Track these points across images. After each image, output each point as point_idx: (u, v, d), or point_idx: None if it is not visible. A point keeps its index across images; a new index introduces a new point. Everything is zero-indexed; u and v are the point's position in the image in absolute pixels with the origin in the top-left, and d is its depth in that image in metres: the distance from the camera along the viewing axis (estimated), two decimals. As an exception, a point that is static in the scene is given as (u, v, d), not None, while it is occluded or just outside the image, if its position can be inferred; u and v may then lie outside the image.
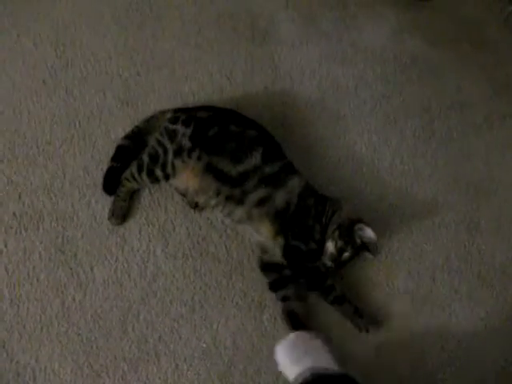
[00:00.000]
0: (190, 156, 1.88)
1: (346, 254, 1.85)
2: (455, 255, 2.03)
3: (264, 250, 1.92)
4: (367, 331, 1.85)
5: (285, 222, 1.86)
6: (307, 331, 1.76)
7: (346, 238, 1.83)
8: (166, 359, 1.82)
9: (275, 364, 1.79)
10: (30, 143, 2.06)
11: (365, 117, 2.24)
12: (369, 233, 1.82)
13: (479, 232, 2.08)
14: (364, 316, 1.86)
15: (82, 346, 1.82)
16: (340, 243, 1.83)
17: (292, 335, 1.71)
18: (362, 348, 1.88)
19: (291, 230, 1.86)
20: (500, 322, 1.95)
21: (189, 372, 1.81)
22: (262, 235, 1.90)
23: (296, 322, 1.83)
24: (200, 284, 1.91)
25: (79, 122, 2.10)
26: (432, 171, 2.17)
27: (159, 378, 1.80)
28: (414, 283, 1.97)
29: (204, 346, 1.83)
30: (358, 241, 1.85)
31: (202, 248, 1.95)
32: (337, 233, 1.84)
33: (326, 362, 1.64)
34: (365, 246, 1.87)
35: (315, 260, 1.87)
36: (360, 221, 1.85)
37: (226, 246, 1.96)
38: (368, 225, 1.83)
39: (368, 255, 1.89)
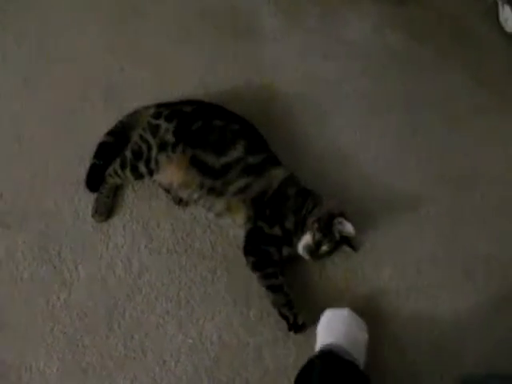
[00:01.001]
0: (174, 151, 1.88)
1: (324, 248, 1.84)
2: (440, 247, 2.03)
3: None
4: (290, 330, 1.83)
5: (259, 208, 1.87)
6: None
7: (325, 231, 1.83)
8: (152, 355, 1.80)
9: (262, 358, 1.81)
10: (11, 140, 2.05)
11: (348, 111, 2.24)
12: (348, 227, 1.82)
13: (463, 224, 2.08)
14: (295, 313, 1.82)
15: (67, 344, 1.80)
16: (318, 236, 1.82)
17: (343, 309, 1.79)
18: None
19: (262, 212, 1.86)
20: (483, 314, 1.95)
21: (176, 368, 1.80)
22: (237, 225, 1.90)
23: None
24: (185, 280, 1.90)
25: (61, 119, 2.10)
26: (416, 165, 2.17)
27: (146, 374, 1.78)
28: (399, 276, 1.97)
29: (190, 341, 1.82)
30: (337, 235, 1.84)
31: (186, 244, 1.94)
32: (316, 225, 1.83)
33: (359, 353, 1.70)
34: (345, 240, 1.87)
35: (272, 245, 1.87)
36: (341, 215, 1.84)
37: (210, 242, 1.95)
38: (348, 219, 1.83)
39: (348, 250, 1.91)
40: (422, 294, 1.96)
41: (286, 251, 1.88)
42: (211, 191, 1.87)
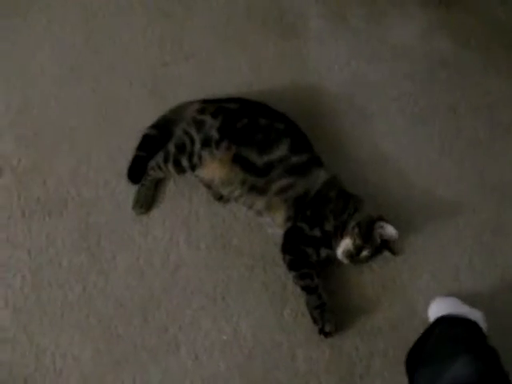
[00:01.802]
0: (217, 147, 1.88)
1: (365, 253, 1.83)
2: (478, 257, 2.01)
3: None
4: (320, 333, 1.82)
5: (300, 208, 1.86)
6: None
7: (366, 236, 1.81)
8: (185, 349, 1.82)
9: (294, 359, 1.81)
10: (56, 129, 2.08)
11: (392, 115, 2.23)
12: (390, 230, 1.80)
13: (504, 235, 2.05)
14: (324, 319, 1.82)
15: (102, 332, 1.82)
16: (358, 241, 1.81)
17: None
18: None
19: (303, 213, 1.86)
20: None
21: (208, 363, 1.81)
22: (276, 224, 1.89)
23: None
24: (222, 276, 1.91)
25: (106, 110, 2.12)
26: (458, 172, 2.15)
27: (178, 367, 1.80)
28: (436, 284, 1.95)
29: (224, 338, 1.83)
30: (378, 240, 1.83)
31: (225, 240, 1.95)
32: (356, 230, 1.82)
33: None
34: (385, 245, 1.85)
35: (310, 245, 1.86)
36: (381, 219, 1.83)
37: (248, 239, 1.96)
38: (389, 222, 1.81)
39: (388, 254, 1.88)
40: (459, 303, 1.93)
41: (324, 253, 1.88)
42: (253, 189, 1.86)
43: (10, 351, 1.79)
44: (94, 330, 1.82)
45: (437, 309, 1.82)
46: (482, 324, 1.70)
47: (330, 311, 1.83)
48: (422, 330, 1.73)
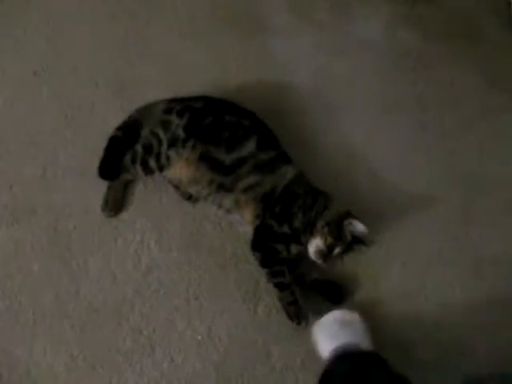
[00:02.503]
0: (184, 146, 1.87)
1: (337, 250, 1.82)
2: (449, 247, 2.04)
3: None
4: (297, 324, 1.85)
5: (268, 205, 1.86)
6: (343, 310, 1.83)
7: (336, 234, 1.80)
8: (161, 351, 1.81)
9: (270, 356, 1.82)
10: (21, 133, 2.05)
11: (359, 109, 2.24)
12: (359, 227, 1.79)
13: (473, 224, 2.08)
14: (301, 312, 1.85)
15: (76, 338, 1.81)
16: (330, 240, 1.80)
17: (328, 315, 1.79)
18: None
19: (271, 210, 1.86)
20: (491, 313, 1.95)
21: (184, 364, 1.81)
22: (245, 221, 1.90)
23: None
24: (194, 276, 1.90)
25: (71, 113, 2.09)
26: (426, 165, 2.17)
27: (154, 370, 1.79)
28: (407, 275, 1.98)
29: (199, 337, 1.83)
30: (349, 236, 1.82)
31: (196, 240, 1.95)
32: (326, 229, 1.81)
33: (360, 338, 1.72)
34: (357, 240, 1.84)
35: (280, 242, 1.86)
36: (349, 215, 1.82)
37: (220, 238, 1.96)
38: (357, 218, 1.80)
39: (362, 247, 1.86)
40: (430, 293, 1.97)
41: (294, 250, 1.88)
42: (220, 188, 1.86)
43: (-19, 361, 1.77)
44: (68, 335, 1.81)
45: (323, 338, 1.79)
46: (368, 337, 1.75)
47: (304, 306, 1.85)
48: (391, 318, 1.79)
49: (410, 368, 1.73)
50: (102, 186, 1.96)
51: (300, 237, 1.86)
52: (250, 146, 1.88)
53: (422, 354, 1.88)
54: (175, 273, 1.90)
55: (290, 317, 1.84)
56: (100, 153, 1.97)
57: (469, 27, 2.51)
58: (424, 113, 2.27)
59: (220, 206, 1.91)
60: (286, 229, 1.86)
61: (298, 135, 2.14)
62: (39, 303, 1.83)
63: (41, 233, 1.91)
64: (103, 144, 1.98)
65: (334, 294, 1.91)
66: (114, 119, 2.02)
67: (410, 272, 1.99)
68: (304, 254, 1.88)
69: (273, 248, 1.86)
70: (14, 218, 1.92)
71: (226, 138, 1.89)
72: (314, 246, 1.82)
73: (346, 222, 1.81)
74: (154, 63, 2.21)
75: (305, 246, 1.86)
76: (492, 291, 2.00)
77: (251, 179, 1.87)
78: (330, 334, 1.76)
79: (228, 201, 1.88)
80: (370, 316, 1.84)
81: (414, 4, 2.49)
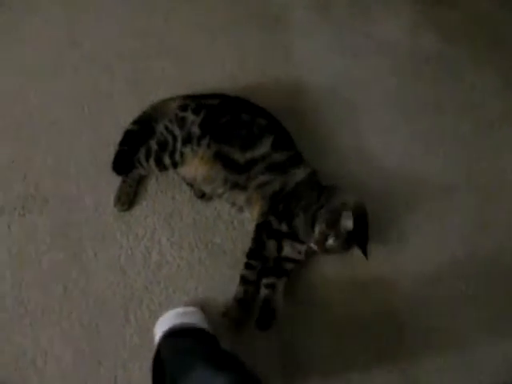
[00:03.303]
0: (199, 144, 1.87)
1: (330, 242, 1.78)
2: (463, 254, 2.02)
3: None
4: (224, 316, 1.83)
5: (274, 204, 1.86)
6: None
7: (330, 223, 1.77)
8: (167, 349, 1.81)
9: (272, 352, 1.82)
10: (36, 123, 2.04)
11: (376, 110, 2.21)
12: (345, 221, 1.74)
13: (488, 231, 2.06)
14: (237, 314, 1.83)
15: (83, 331, 1.81)
16: (323, 227, 1.78)
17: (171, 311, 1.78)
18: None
19: (275, 208, 1.86)
20: (502, 322, 1.95)
21: (190, 362, 1.81)
22: (253, 219, 1.90)
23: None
24: (204, 275, 1.90)
25: (87, 105, 2.08)
26: (442, 169, 2.14)
27: (160, 367, 1.80)
28: (420, 282, 1.96)
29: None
30: (343, 230, 1.76)
31: (207, 239, 1.94)
32: (324, 216, 1.80)
33: (196, 320, 1.72)
34: (358, 243, 1.79)
35: (273, 238, 1.86)
36: (348, 208, 1.77)
37: (231, 238, 1.95)
38: (352, 214, 1.74)
39: (360, 255, 1.81)
40: (441, 302, 1.96)
41: (288, 247, 1.88)
42: (235, 186, 1.86)
43: (-11, 351, 1.77)
44: (75, 329, 1.81)
45: (160, 327, 1.76)
46: (204, 323, 1.74)
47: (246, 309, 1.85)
48: (400, 324, 1.77)
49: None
50: (116, 180, 1.95)
51: (298, 235, 1.85)
52: (265, 146, 1.88)
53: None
54: (185, 270, 1.90)
55: (226, 312, 1.82)
56: (114, 146, 1.97)
57: (490, 31, 2.47)
58: (442, 116, 2.24)
59: (234, 204, 1.91)
60: (284, 227, 1.86)
61: (314, 134, 2.12)
62: (48, 295, 1.83)
63: (52, 224, 1.91)
64: (118, 137, 1.98)
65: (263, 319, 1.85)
66: (129, 113, 2.02)
67: (421, 278, 1.97)
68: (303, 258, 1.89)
69: (263, 243, 1.86)
70: (27, 208, 1.92)
71: (242, 136, 1.88)
72: (314, 233, 1.80)
73: (344, 213, 1.75)
74: (171, 58, 2.19)
75: (306, 239, 1.84)
76: (506, 298, 1.98)
77: (263, 178, 1.86)
78: (165, 322, 1.75)
79: (241, 198, 1.88)
80: (382, 323, 1.83)
81: (435, 6, 2.45)
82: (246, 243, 1.93)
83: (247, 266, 1.85)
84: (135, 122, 2.00)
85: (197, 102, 1.94)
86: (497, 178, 2.17)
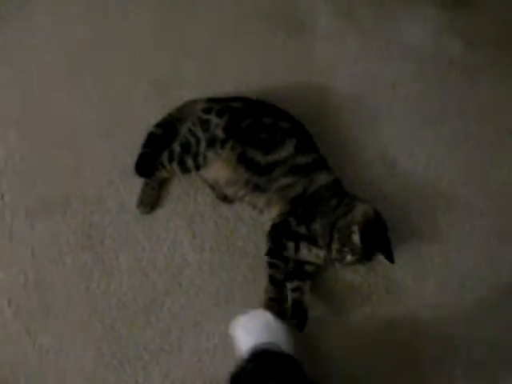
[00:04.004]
0: (223, 147, 1.87)
1: (349, 258, 1.75)
2: (484, 263, 2.00)
3: None
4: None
5: (294, 206, 1.86)
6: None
7: (343, 240, 1.75)
8: (188, 351, 1.82)
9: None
10: (59, 126, 2.05)
11: (400, 116, 2.20)
12: (354, 238, 1.73)
13: (510, 241, 2.04)
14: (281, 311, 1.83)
15: (105, 333, 1.82)
16: (337, 245, 1.76)
17: (251, 312, 1.75)
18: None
19: (295, 210, 1.85)
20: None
21: (210, 365, 1.81)
22: (271, 219, 1.90)
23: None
24: (226, 278, 1.90)
25: (111, 107, 2.09)
26: (465, 176, 2.12)
27: (181, 370, 1.80)
28: (441, 290, 1.95)
29: (227, 340, 1.80)
30: (358, 244, 1.73)
31: (229, 242, 1.94)
32: (337, 234, 1.78)
33: (278, 339, 1.67)
34: (381, 250, 1.76)
35: (292, 240, 1.85)
36: (358, 224, 1.74)
37: (253, 241, 1.95)
38: (363, 229, 1.72)
39: (385, 261, 1.78)
40: (463, 309, 1.94)
41: (305, 250, 1.86)
42: (256, 188, 1.86)
43: (12, 350, 1.79)
44: (97, 330, 1.82)
45: (242, 334, 1.72)
46: (291, 341, 1.69)
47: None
48: (423, 334, 1.73)
49: None
50: (138, 182, 1.96)
51: (317, 239, 1.84)
52: (288, 149, 1.87)
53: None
54: (207, 273, 1.90)
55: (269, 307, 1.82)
56: (137, 149, 1.97)
57: (515, 37, 2.45)
58: (465, 123, 2.22)
59: (254, 207, 1.91)
60: (302, 229, 1.85)
61: (337, 140, 2.11)
62: (70, 296, 1.85)
63: (75, 226, 1.92)
64: (141, 140, 1.98)
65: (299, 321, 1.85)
66: (152, 116, 2.02)
67: (443, 287, 1.95)
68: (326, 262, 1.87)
69: (283, 243, 1.86)
70: (50, 210, 1.93)
71: (265, 139, 1.88)
72: (331, 250, 1.79)
73: (353, 228, 1.74)
74: (194, 61, 2.19)
75: (325, 248, 1.82)
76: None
77: (286, 180, 1.86)
78: (250, 332, 1.71)
79: (261, 201, 1.88)
80: (395, 331, 1.81)
81: (459, 12, 2.42)
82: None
83: (271, 265, 1.85)
84: (158, 125, 2.01)
85: (221, 104, 1.94)
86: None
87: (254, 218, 1.97)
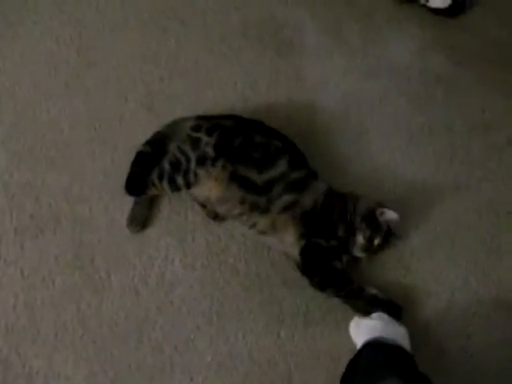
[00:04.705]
0: (213, 165, 1.87)
1: (376, 241, 1.85)
2: (474, 277, 2.01)
3: (290, 258, 1.92)
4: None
5: (310, 223, 1.86)
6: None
7: (373, 226, 1.84)
8: (180, 370, 1.80)
9: (291, 381, 1.80)
10: (49, 145, 2.05)
11: (388, 133, 2.22)
12: (390, 214, 1.85)
13: (499, 255, 2.05)
14: (387, 302, 1.85)
15: (96, 352, 1.80)
16: (368, 232, 1.84)
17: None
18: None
19: (315, 228, 1.86)
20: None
21: (204, 384, 1.80)
22: (285, 243, 1.88)
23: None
24: (218, 296, 1.89)
25: (100, 126, 2.09)
26: (453, 191, 2.14)
27: (173, 389, 1.79)
28: (432, 304, 1.95)
29: (220, 358, 1.81)
30: (384, 225, 1.86)
31: (220, 259, 1.93)
32: (363, 224, 1.84)
33: (399, 336, 1.72)
34: (389, 232, 1.88)
35: (334, 257, 1.86)
36: (380, 205, 1.87)
37: (245, 259, 1.94)
38: (386, 207, 1.86)
39: (395, 239, 1.91)
40: (454, 324, 1.94)
41: (345, 258, 1.89)
42: (254, 208, 1.84)
43: (1, 372, 1.76)
44: (88, 350, 1.80)
45: (359, 330, 1.80)
46: (406, 342, 1.73)
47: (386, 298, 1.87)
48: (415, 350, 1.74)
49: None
50: (128, 200, 1.96)
51: (347, 245, 1.87)
52: (281, 166, 1.88)
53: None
54: (198, 291, 1.89)
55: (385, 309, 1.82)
56: (127, 167, 1.97)
57: (500, 54, 2.47)
58: (453, 139, 2.24)
59: (253, 227, 1.88)
60: (334, 242, 1.87)
61: (326, 156, 2.12)
62: (61, 316, 1.83)
63: (65, 245, 1.91)
64: (131, 158, 1.98)
65: (392, 311, 1.85)
66: (142, 134, 2.02)
67: (434, 302, 1.96)
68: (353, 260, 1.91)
69: (329, 266, 1.85)
70: (40, 228, 1.92)
71: (257, 158, 1.88)
72: (357, 243, 1.85)
73: (377, 212, 1.85)
74: (183, 79, 2.21)
75: (350, 250, 1.88)
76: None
77: (287, 198, 1.86)
78: (370, 330, 1.75)
79: (263, 222, 1.86)
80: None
81: (446, 28, 2.46)
82: (259, 265, 1.94)
83: (339, 288, 1.85)
84: (148, 143, 2.00)
85: (210, 122, 1.95)
86: (506, 201, 2.16)
87: (246, 236, 1.96)
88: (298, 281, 1.90)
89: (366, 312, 1.82)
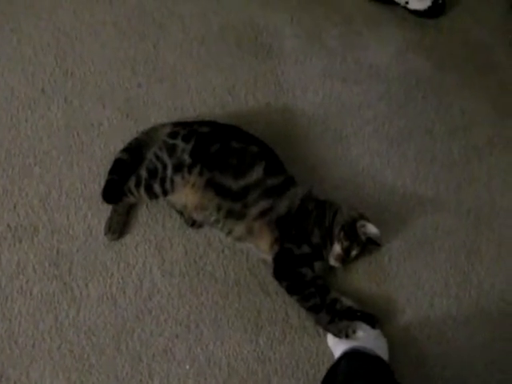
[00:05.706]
0: (190, 172, 1.86)
1: (354, 252, 1.85)
2: (454, 281, 2.00)
3: (268, 265, 1.90)
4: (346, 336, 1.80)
5: (284, 228, 1.85)
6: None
7: (352, 237, 1.83)
8: (159, 379, 1.79)
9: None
10: (26, 153, 2.04)
11: (367, 137, 2.21)
12: (371, 229, 1.84)
13: (479, 258, 2.05)
14: (345, 329, 1.79)
15: (74, 362, 1.78)
16: (346, 243, 1.83)
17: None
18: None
19: (288, 233, 1.85)
20: (497, 352, 1.92)
21: (182, 393, 1.79)
22: (262, 249, 1.87)
23: None
24: (196, 303, 1.88)
25: (77, 133, 2.08)
26: (433, 195, 2.14)
27: (152, 398, 1.78)
28: (411, 309, 1.94)
29: (198, 366, 1.80)
30: (363, 237, 1.85)
31: (198, 267, 1.92)
32: (342, 234, 1.83)
33: (376, 346, 1.74)
34: (370, 240, 1.88)
35: (303, 264, 1.84)
36: (361, 217, 1.87)
37: (223, 266, 1.93)
38: (368, 220, 1.85)
39: (374, 248, 1.94)
40: (434, 328, 1.93)
41: (317, 267, 1.87)
42: (230, 214, 1.84)
43: (-22, 383, 1.75)
44: (66, 360, 1.78)
45: (337, 339, 1.80)
46: (384, 352, 1.76)
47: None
48: (395, 354, 1.76)
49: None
50: (106, 208, 1.95)
51: (322, 252, 1.87)
52: (257, 172, 1.87)
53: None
54: (176, 299, 1.88)
55: (336, 334, 1.80)
56: (104, 175, 1.96)
57: (480, 56, 2.48)
58: (433, 142, 2.24)
59: (229, 233, 1.88)
60: (306, 249, 1.85)
61: (305, 161, 2.12)
62: (38, 326, 1.81)
63: (43, 254, 1.89)
64: (108, 166, 1.97)
65: (367, 320, 1.83)
66: (120, 141, 2.02)
67: (413, 307, 1.95)
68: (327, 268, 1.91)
69: (298, 273, 1.84)
70: (17, 238, 1.91)
71: (234, 164, 1.87)
72: (334, 252, 1.85)
73: (358, 224, 1.84)
74: (161, 85, 2.20)
75: (326, 257, 1.87)
76: (497, 327, 1.96)
77: (262, 205, 1.85)
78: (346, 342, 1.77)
79: (239, 228, 1.85)
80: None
81: (425, 31, 2.47)
82: (237, 271, 1.93)
83: (304, 298, 1.82)
84: (124, 150, 2.00)
85: (187, 129, 1.94)
86: (488, 203, 2.16)
87: (224, 243, 1.95)
88: (276, 287, 1.89)
89: (339, 332, 1.80)
